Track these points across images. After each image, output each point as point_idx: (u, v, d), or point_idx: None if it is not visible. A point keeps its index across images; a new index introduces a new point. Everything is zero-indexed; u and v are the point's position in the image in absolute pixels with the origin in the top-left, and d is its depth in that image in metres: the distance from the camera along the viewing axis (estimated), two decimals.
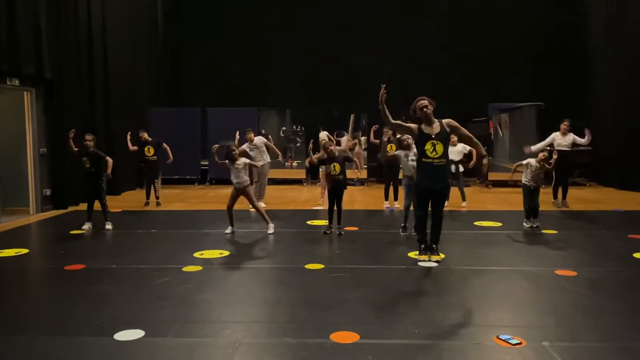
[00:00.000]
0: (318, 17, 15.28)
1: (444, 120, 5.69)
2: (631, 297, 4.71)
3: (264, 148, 9.80)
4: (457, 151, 9.38)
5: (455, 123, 5.75)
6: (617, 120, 12.70)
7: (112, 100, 11.54)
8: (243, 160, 7.48)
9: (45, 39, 9.16)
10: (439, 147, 5.56)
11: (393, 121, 5.73)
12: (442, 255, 5.89)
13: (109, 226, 7.81)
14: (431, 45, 15.01)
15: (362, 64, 15.08)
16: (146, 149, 10.04)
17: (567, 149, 9.43)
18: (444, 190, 5.87)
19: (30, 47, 8.88)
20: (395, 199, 9.67)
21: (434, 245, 5.90)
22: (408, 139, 7.03)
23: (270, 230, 7.37)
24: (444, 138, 5.60)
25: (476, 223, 8.13)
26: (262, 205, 9.79)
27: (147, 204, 10.15)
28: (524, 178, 7.76)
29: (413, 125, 5.71)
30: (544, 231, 7.47)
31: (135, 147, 10.14)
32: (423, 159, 5.65)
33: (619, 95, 12.66)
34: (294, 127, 16.19)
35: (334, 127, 13.39)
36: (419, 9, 15.14)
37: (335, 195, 7.38)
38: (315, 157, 7.70)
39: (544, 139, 9.69)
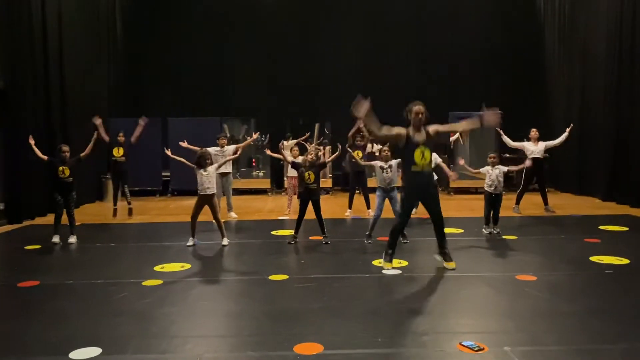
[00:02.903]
0: (279, 25, 15.30)
1: (430, 128, 5.65)
2: (588, 300, 4.82)
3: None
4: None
5: (437, 128, 5.69)
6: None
7: (70, 110, 11.18)
8: (212, 168, 7.37)
9: None
10: (427, 154, 5.60)
11: (381, 133, 5.58)
12: (454, 264, 5.83)
13: (72, 239, 7.50)
14: (391, 54, 15.24)
15: (324, 73, 15.16)
16: (115, 149, 9.65)
17: (539, 156, 9.68)
18: (434, 192, 5.98)
19: None
20: (368, 207, 9.66)
21: (446, 250, 5.87)
22: (387, 150, 7.07)
23: (225, 242, 7.26)
24: (431, 145, 5.63)
25: None
26: (233, 215, 9.69)
27: (115, 211, 9.77)
28: (486, 185, 7.89)
29: (402, 131, 5.62)
30: (504, 237, 7.61)
31: (108, 138, 9.63)
32: (412, 168, 5.62)
33: (572, 102, 13.12)
34: (260, 136, 16.03)
35: (300, 136, 13.38)
36: (378, 18, 15.36)
37: (306, 205, 7.30)
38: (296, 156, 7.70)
39: (502, 146, 9.90)
